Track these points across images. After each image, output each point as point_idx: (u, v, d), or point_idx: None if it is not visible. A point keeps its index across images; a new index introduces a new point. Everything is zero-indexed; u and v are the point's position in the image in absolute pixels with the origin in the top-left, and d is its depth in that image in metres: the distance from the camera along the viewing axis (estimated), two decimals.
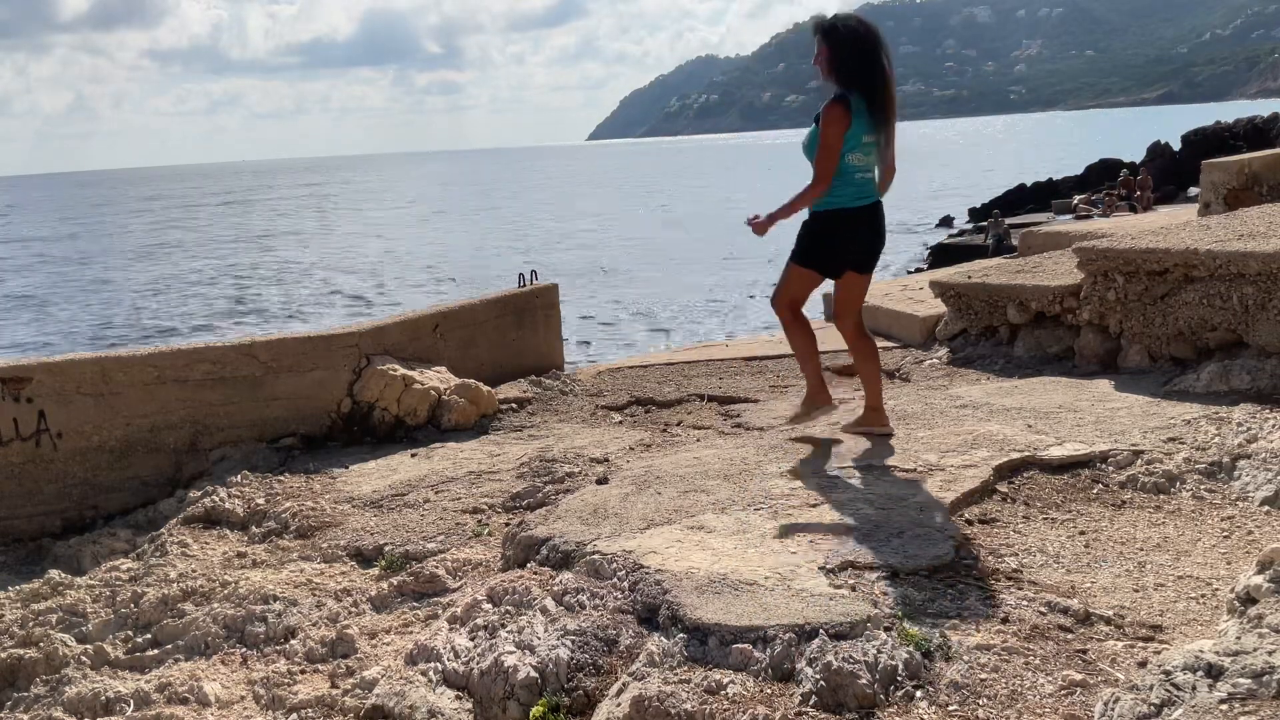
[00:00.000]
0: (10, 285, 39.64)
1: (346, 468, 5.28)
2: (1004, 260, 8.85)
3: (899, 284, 9.05)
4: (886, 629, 2.60)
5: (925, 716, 2.30)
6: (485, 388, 6.13)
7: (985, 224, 28.75)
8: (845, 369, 6.53)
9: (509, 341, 6.98)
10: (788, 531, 3.33)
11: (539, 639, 2.87)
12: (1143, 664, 2.42)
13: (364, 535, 4.32)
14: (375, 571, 4.03)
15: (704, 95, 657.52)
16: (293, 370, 5.73)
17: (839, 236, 4.28)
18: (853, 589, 2.86)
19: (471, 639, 3.08)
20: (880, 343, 7.23)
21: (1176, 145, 34.71)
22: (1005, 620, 2.68)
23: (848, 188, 4.21)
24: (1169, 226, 6.13)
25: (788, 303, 4.49)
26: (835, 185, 4.19)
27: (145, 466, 5.44)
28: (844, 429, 4.54)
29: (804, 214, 4.37)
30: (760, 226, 4.24)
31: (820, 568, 3.01)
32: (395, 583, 3.85)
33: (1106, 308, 5.49)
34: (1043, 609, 2.74)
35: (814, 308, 5.00)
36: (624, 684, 2.58)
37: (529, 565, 3.46)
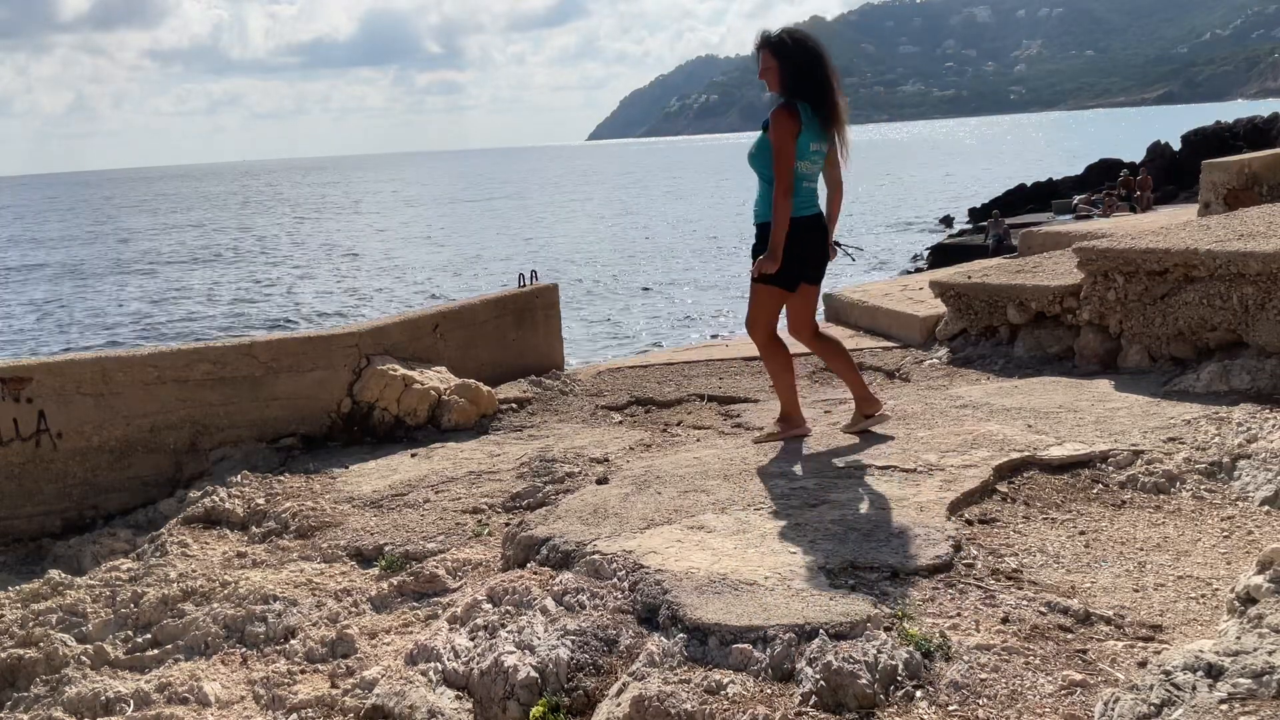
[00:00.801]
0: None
1: (346, 468, 5.28)
2: (1004, 260, 8.85)
3: (899, 284, 9.04)
4: (886, 629, 2.60)
5: (925, 716, 2.30)
6: (485, 388, 6.12)
7: (985, 224, 28.76)
8: None
9: (509, 341, 6.98)
10: (788, 531, 3.33)
11: (539, 639, 2.87)
12: (1143, 664, 2.42)
13: (364, 535, 4.32)
14: (375, 571, 4.03)
15: (704, 95, 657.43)
16: (293, 370, 5.73)
17: (793, 247, 4.25)
18: (853, 589, 2.86)
19: (471, 639, 3.08)
20: (880, 343, 7.24)
21: (1176, 145, 34.72)
22: (1005, 620, 2.68)
23: (794, 196, 4.21)
24: (1169, 226, 6.13)
25: (763, 326, 4.44)
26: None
27: (145, 466, 5.44)
28: (844, 429, 4.54)
29: (750, 233, 4.39)
30: (769, 264, 4.21)
31: (820, 568, 3.01)
32: (395, 583, 3.85)
33: (1106, 308, 5.49)
34: (1043, 609, 2.74)
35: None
36: (624, 684, 2.58)
37: (529, 565, 3.46)
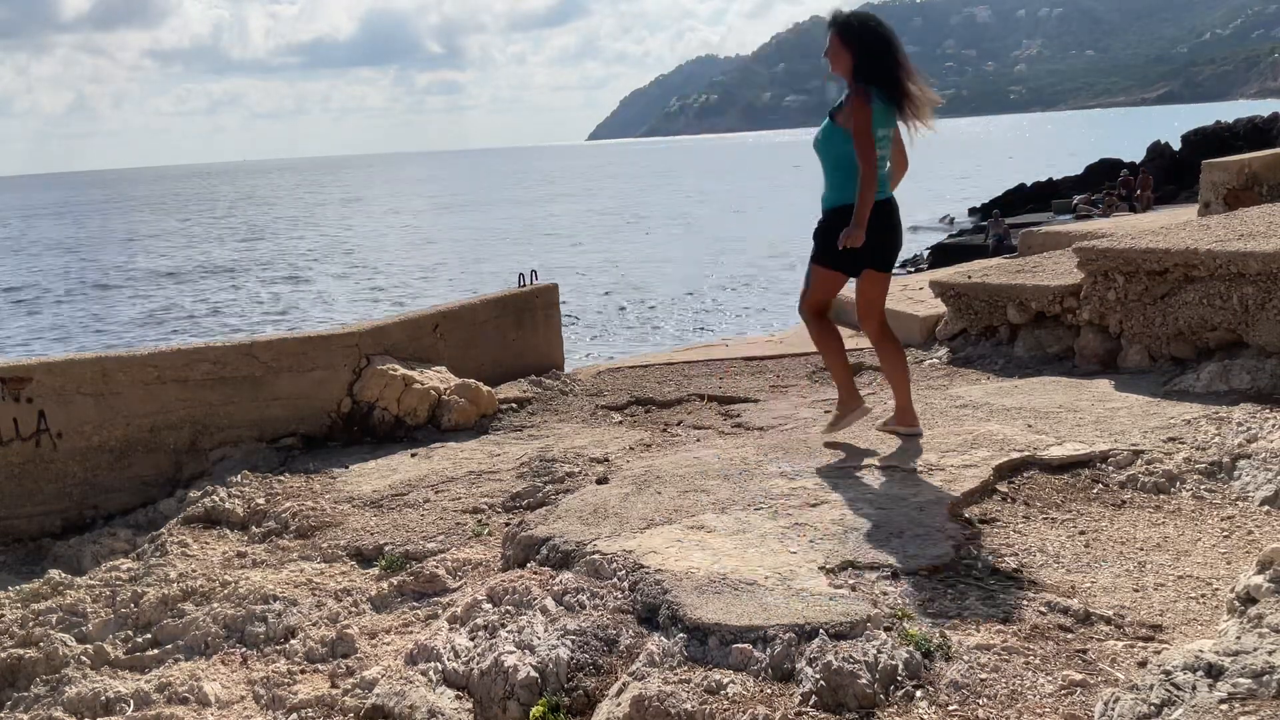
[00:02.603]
0: None
1: (346, 468, 5.28)
2: (1004, 260, 8.85)
3: (899, 284, 9.02)
4: (886, 629, 2.60)
5: (925, 716, 2.30)
6: (485, 388, 6.12)
7: (985, 224, 28.77)
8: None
9: (509, 341, 6.98)
10: (788, 531, 3.33)
11: (539, 639, 2.87)
12: (1143, 664, 2.42)
13: (364, 535, 4.32)
14: (375, 571, 4.03)
15: (704, 95, 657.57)
16: (293, 370, 5.73)
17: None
18: (853, 589, 2.86)
19: (471, 639, 3.08)
20: None
21: (1176, 145, 34.71)
22: (1005, 620, 2.68)
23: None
24: (1169, 226, 6.13)
25: (813, 306, 4.44)
26: (848, 180, 4.15)
27: (145, 466, 5.44)
28: (877, 428, 4.50)
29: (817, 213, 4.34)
30: (856, 237, 4.13)
31: (820, 568, 3.01)
32: (395, 583, 3.85)
33: (1106, 308, 5.49)
34: (1043, 609, 2.74)
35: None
36: (624, 684, 2.58)
37: (529, 565, 3.46)
